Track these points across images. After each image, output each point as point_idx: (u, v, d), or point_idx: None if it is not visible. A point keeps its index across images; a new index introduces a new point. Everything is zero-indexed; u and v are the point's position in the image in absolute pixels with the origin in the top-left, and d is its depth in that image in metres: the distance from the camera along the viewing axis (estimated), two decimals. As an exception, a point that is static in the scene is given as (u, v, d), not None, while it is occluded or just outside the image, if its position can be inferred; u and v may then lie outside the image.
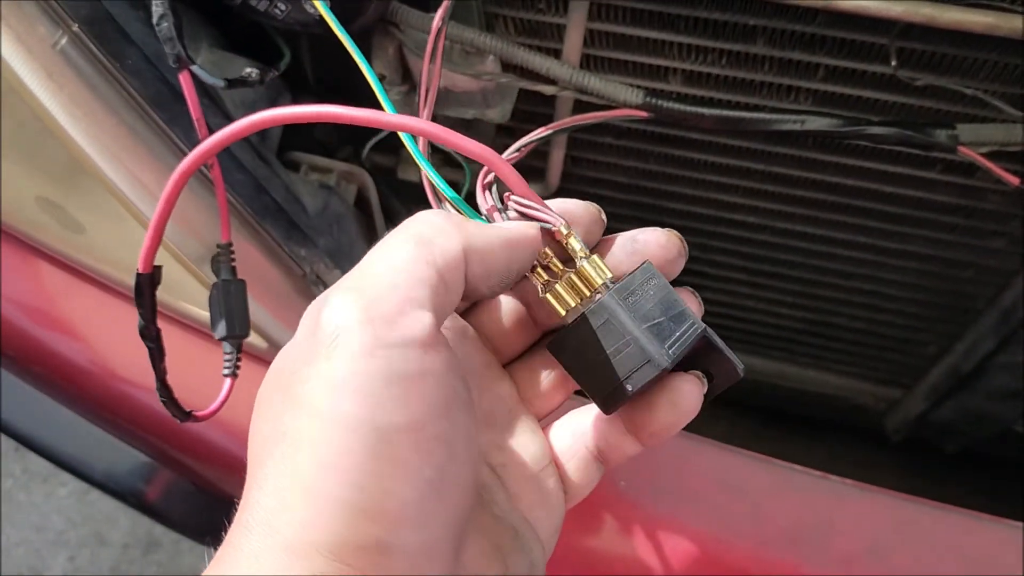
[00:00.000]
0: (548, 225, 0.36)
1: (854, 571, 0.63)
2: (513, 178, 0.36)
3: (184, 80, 0.47)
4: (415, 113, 0.48)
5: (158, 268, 0.44)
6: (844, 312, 0.89)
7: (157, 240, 0.41)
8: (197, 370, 0.59)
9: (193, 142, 0.52)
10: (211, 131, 0.45)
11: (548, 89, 0.61)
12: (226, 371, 0.50)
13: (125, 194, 0.52)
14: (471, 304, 0.40)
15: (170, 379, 0.48)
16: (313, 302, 0.32)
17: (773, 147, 0.69)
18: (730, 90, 0.64)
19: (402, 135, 0.40)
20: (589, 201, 0.38)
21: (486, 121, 0.68)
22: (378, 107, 0.38)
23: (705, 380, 0.37)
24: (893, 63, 0.57)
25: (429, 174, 0.39)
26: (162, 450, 0.76)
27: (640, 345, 0.34)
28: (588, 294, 0.36)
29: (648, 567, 0.63)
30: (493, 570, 0.33)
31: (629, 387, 0.34)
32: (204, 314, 0.54)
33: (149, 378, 0.47)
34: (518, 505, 0.37)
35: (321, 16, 0.47)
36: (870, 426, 1.06)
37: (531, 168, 0.76)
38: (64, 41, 0.48)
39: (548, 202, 0.37)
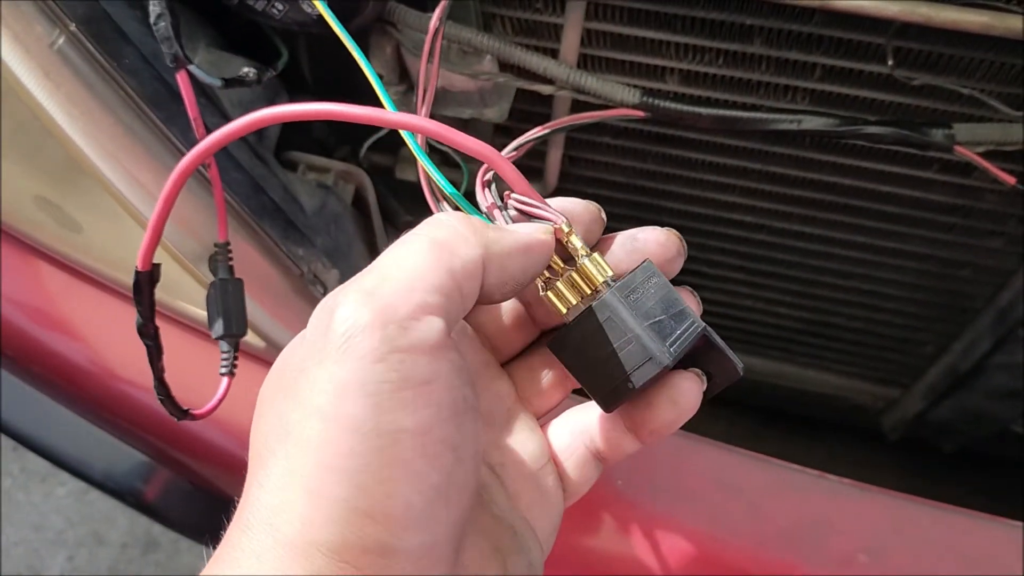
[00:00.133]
0: (549, 223, 0.36)
1: (851, 570, 0.63)
2: (513, 176, 0.36)
3: (181, 79, 0.47)
4: (413, 113, 0.48)
5: (157, 266, 0.44)
6: (842, 312, 0.89)
7: (156, 238, 0.41)
8: (194, 369, 0.59)
9: (190, 141, 0.52)
10: (208, 130, 0.45)
11: (545, 89, 0.61)
12: (223, 370, 0.50)
13: (122, 193, 0.52)
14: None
15: (167, 378, 0.48)
16: (324, 300, 0.31)
17: (770, 147, 0.69)
18: (727, 90, 0.64)
19: (403, 133, 0.40)
20: (589, 200, 0.38)
21: (484, 121, 0.68)
22: (377, 106, 0.38)
23: (704, 378, 0.37)
24: (890, 63, 0.57)
25: (430, 171, 0.39)
26: (160, 449, 0.76)
27: (642, 343, 0.34)
28: (589, 292, 0.36)
29: (646, 566, 0.63)
30: (492, 570, 0.34)
31: (631, 385, 0.34)
32: (201, 313, 0.54)
33: (147, 378, 0.47)
34: (517, 504, 0.37)
35: (319, 16, 0.47)
36: (868, 425, 1.06)
37: (529, 168, 0.76)
38: (61, 40, 0.48)
39: (548, 200, 0.37)
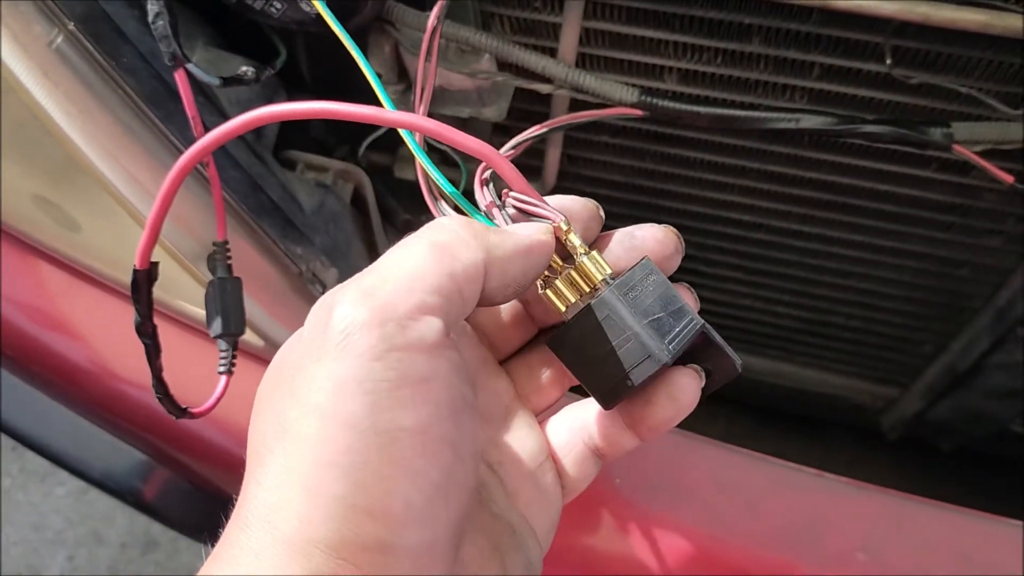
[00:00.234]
0: (547, 222, 0.36)
1: (850, 569, 0.63)
2: (512, 174, 0.36)
3: (179, 78, 0.47)
4: (411, 112, 0.48)
5: (155, 264, 0.44)
6: (840, 311, 0.89)
7: (154, 236, 0.41)
8: (193, 368, 0.59)
9: (189, 140, 0.52)
10: (207, 129, 0.45)
11: (544, 88, 0.61)
12: (221, 368, 0.50)
13: (121, 192, 0.52)
14: None
15: (166, 377, 0.48)
16: (323, 298, 0.31)
17: (768, 146, 0.69)
18: (725, 89, 0.64)
19: (402, 132, 0.40)
20: (587, 197, 0.39)
21: (482, 120, 0.68)
22: (376, 105, 0.38)
23: (703, 375, 0.37)
24: (888, 61, 0.57)
25: (429, 170, 0.39)
26: (159, 448, 0.76)
27: (641, 340, 0.34)
28: (588, 290, 0.36)
29: (643, 565, 0.64)
30: (491, 568, 0.34)
31: (630, 382, 0.34)
32: (200, 312, 0.54)
33: (146, 377, 0.47)
34: (515, 502, 0.37)
35: (317, 15, 0.47)
36: (867, 425, 1.06)
37: (527, 167, 0.76)
38: (60, 40, 0.48)
39: (546, 198, 0.37)
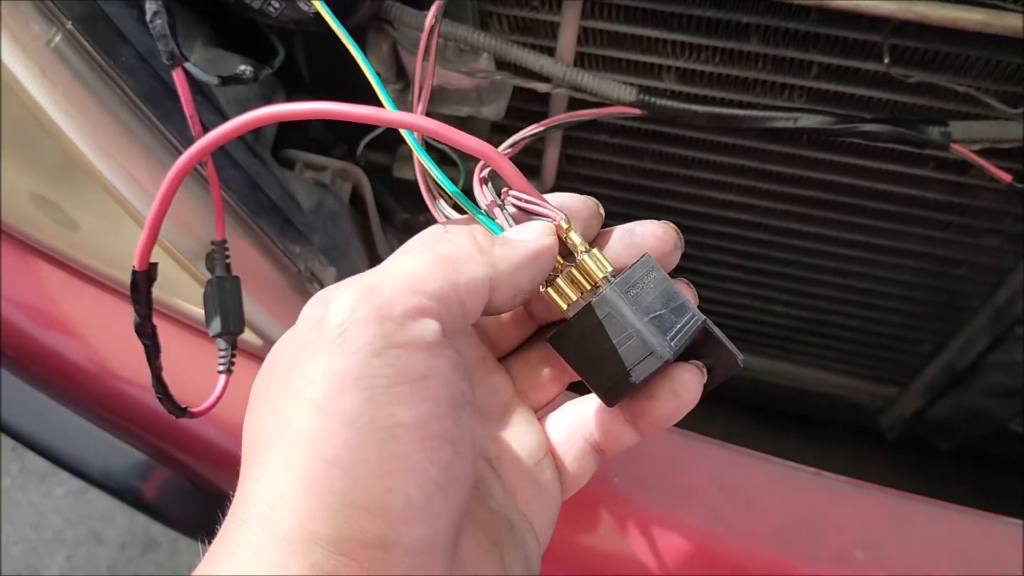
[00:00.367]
0: (549, 221, 0.36)
1: (848, 567, 0.63)
2: (511, 173, 0.36)
3: (178, 77, 0.47)
4: (409, 111, 0.48)
5: (154, 265, 0.44)
6: (839, 310, 0.89)
7: (153, 237, 0.41)
8: (192, 367, 0.59)
9: (187, 139, 0.52)
10: (205, 128, 0.45)
11: (542, 87, 0.61)
12: (221, 367, 0.50)
13: (119, 191, 0.52)
14: None
15: (165, 376, 0.48)
16: (318, 294, 0.31)
17: (767, 144, 0.69)
18: (723, 88, 0.64)
19: (403, 131, 0.40)
20: (587, 195, 0.39)
21: (481, 119, 0.68)
22: (375, 104, 0.38)
23: (705, 370, 0.37)
24: (886, 60, 0.57)
25: (431, 169, 0.39)
26: (159, 448, 0.76)
27: (643, 338, 0.34)
28: (589, 288, 0.36)
29: (642, 564, 0.64)
30: (489, 564, 0.34)
31: (632, 379, 0.34)
32: (198, 311, 0.54)
33: (145, 376, 0.47)
34: (514, 498, 0.37)
35: (315, 14, 0.47)
36: (866, 424, 1.06)
37: (526, 166, 0.76)
38: (58, 39, 0.48)
39: (546, 196, 0.37)
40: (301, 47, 0.69)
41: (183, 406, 0.49)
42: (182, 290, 0.60)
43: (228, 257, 0.52)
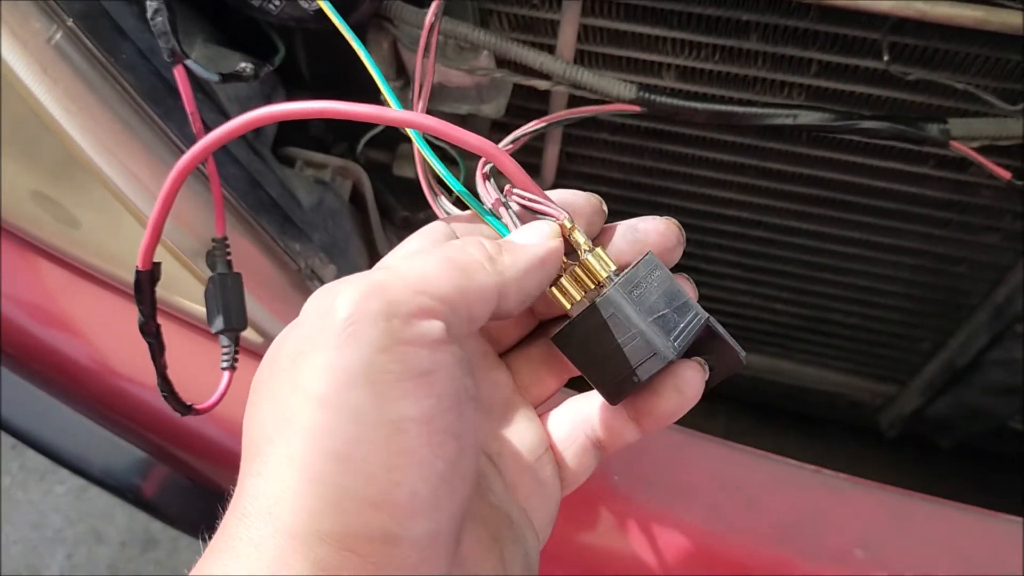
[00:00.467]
0: (551, 218, 0.36)
1: (848, 565, 0.63)
2: (514, 170, 0.37)
3: (178, 74, 0.47)
4: (409, 109, 0.48)
5: (157, 265, 0.44)
6: (839, 308, 0.90)
7: (156, 237, 0.42)
8: (194, 365, 0.59)
9: (187, 136, 0.52)
10: (205, 126, 0.45)
11: (542, 84, 0.61)
12: (224, 364, 0.50)
13: (120, 188, 0.52)
14: None
15: (168, 374, 0.48)
16: (323, 288, 0.31)
17: (766, 142, 0.70)
18: (723, 86, 0.64)
19: (408, 130, 0.40)
20: (590, 192, 0.39)
21: (481, 116, 0.68)
22: (377, 102, 0.38)
23: (707, 367, 0.37)
24: (885, 58, 0.57)
25: (437, 167, 0.39)
26: (159, 446, 0.76)
27: (646, 338, 0.34)
28: (592, 287, 0.36)
29: (642, 562, 0.64)
30: (490, 560, 0.34)
31: (636, 378, 0.35)
32: (199, 309, 0.54)
33: (146, 374, 0.47)
34: (514, 494, 0.37)
35: (315, 11, 0.47)
36: (866, 422, 1.06)
37: (526, 165, 0.75)
38: (59, 36, 0.48)
39: (549, 193, 0.37)
40: (301, 45, 0.69)
41: (188, 403, 0.49)
42: (183, 288, 0.60)
43: (229, 254, 0.52)
